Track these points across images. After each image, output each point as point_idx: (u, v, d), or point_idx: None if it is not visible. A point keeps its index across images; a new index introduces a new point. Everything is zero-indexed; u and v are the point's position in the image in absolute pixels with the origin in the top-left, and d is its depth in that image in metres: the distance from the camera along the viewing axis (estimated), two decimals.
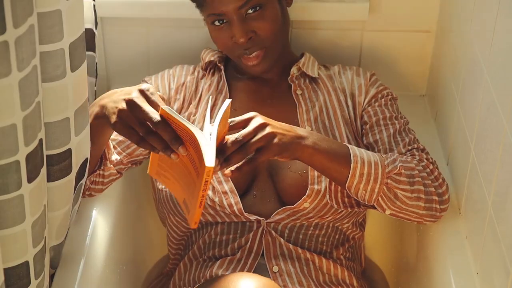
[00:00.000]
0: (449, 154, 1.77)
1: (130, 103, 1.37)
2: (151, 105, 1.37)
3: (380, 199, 1.52)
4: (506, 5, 1.37)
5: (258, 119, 1.41)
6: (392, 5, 1.94)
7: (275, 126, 1.42)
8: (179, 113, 1.73)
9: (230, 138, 1.37)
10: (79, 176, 1.48)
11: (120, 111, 1.37)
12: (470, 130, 1.58)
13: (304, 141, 1.45)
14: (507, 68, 1.34)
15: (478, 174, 1.50)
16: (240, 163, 1.38)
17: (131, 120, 1.36)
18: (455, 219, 1.63)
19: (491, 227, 1.39)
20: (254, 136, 1.38)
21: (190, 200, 1.37)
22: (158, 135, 1.33)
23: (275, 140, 1.40)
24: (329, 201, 1.58)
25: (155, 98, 1.38)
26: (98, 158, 1.59)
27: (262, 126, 1.40)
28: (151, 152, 1.40)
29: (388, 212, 1.54)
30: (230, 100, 1.37)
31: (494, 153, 1.39)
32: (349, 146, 1.51)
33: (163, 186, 1.64)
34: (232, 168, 1.38)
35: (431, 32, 1.98)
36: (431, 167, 1.58)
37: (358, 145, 1.67)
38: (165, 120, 1.32)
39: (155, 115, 1.33)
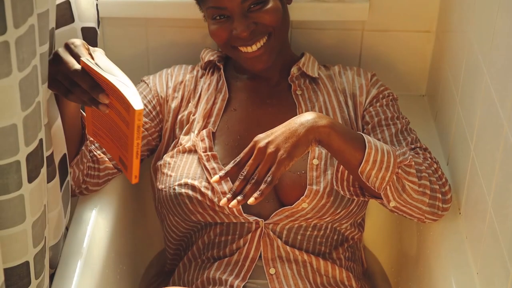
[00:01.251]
0: (449, 154, 1.77)
1: (55, 57, 1.38)
2: (74, 57, 1.38)
3: (388, 188, 1.51)
4: (506, 5, 1.37)
5: (258, 144, 1.44)
6: (392, 5, 1.94)
7: (275, 140, 1.44)
8: (178, 113, 1.73)
9: (239, 176, 1.43)
10: (62, 172, 1.48)
11: (49, 66, 1.39)
12: (470, 130, 1.58)
13: (319, 122, 1.45)
14: (507, 68, 1.34)
15: (478, 174, 1.50)
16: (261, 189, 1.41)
17: (56, 73, 1.37)
18: (455, 219, 1.63)
19: (491, 227, 1.39)
20: (259, 164, 1.43)
21: (125, 155, 1.39)
22: (82, 87, 1.36)
23: (279, 154, 1.42)
24: (335, 187, 1.56)
25: (78, 50, 1.39)
26: (75, 137, 1.57)
27: (262, 151, 1.43)
28: (86, 112, 1.44)
29: (392, 204, 1.53)
30: (102, 50, 1.42)
31: (494, 153, 1.39)
32: (362, 133, 1.51)
33: (163, 186, 1.64)
34: (255, 195, 1.41)
35: (431, 32, 1.98)
36: (435, 166, 1.59)
37: None
38: (86, 71, 1.35)
39: (74, 66, 1.35)
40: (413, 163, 1.52)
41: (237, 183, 1.43)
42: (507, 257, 1.30)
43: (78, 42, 1.39)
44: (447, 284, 1.52)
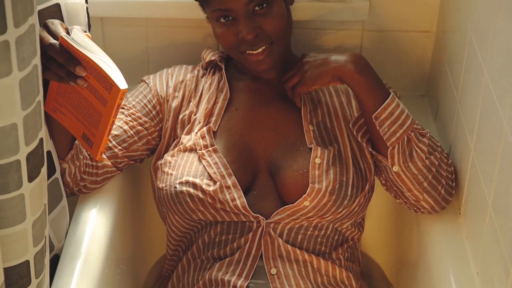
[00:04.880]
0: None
1: None
2: (50, 34, 1.39)
3: (396, 147, 1.56)
4: (506, 5, 1.37)
5: (304, 58, 1.67)
6: (392, 5, 1.94)
7: (313, 62, 1.64)
8: (178, 112, 1.73)
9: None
10: (48, 171, 1.48)
11: None
12: (470, 130, 1.58)
13: (348, 66, 1.59)
14: (507, 68, 1.34)
15: (478, 174, 1.50)
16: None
17: None
18: (455, 219, 1.63)
19: (491, 227, 1.40)
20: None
21: (93, 131, 1.42)
22: (59, 62, 1.36)
23: (307, 75, 1.63)
24: (351, 126, 1.64)
25: (55, 27, 1.40)
26: (67, 131, 1.53)
27: (302, 65, 1.65)
28: (49, 87, 1.44)
29: (395, 168, 1.58)
30: (79, 27, 1.42)
31: (494, 153, 1.39)
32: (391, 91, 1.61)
33: (164, 185, 1.64)
34: None
35: (431, 32, 1.98)
36: (450, 161, 1.64)
37: (359, 148, 1.67)
38: (64, 47, 1.35)
39: (50, 40, 1.36)
40: (428, 135, 1.59)
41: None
42: (507, 257, 1.30)
43: (56, 22, 1.41)
44: (447, 284, 1.52)
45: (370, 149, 1.62)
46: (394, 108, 1.57)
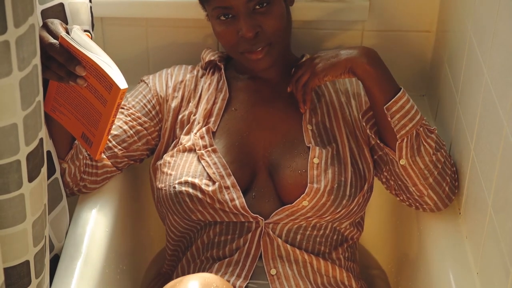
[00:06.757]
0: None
1: None
2: (50, 34, 1.39)
3: (405, 140, 1.57)
4: (506, 5, 1.37)
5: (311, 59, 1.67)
6: (392, 5, 1.94)
7: (322, 56, 1.65)
8: (178, 112, 1.73)
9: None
10: (48, 171, 1.48)
11: None
12: (470, 130, 1.58)
13: (361, 58, 1.60)
14: (507, 68, 1.34)
15: (478, 174, 1.50)
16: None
17: None
18: (455, 219, 1.63)
19: (491, 227, 1.40)
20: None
21: (92, 131, 1.42)
22: (59, 62, 1.37)
23: (317, 66, 1.63)
24: (361, 117, 1.64)
25: (54, 27, 1.40)
26: (67, 131, 1.54)
27: (310, 60, 1.66)
28: (48, 86, 1.44)
29: (402, 161, 1.59)
30: (79, 26, 1.43)
31: (494, 153, 1.39)
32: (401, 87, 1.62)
33: (163, 185, 1.64)
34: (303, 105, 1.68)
35: (431, 32, 1.98)
36: (453, 162, 1.66)
37: (358, 148, 1.67)
38: (63, 47, 1.36)
39: (50, 40, 1.37)
40: (436, 132, 1.61)
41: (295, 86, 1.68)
42: (507, 257, 1.30)
43: (55, 21, 1.41)
44: (447, 284, 1.52)
45: (378, 141, 1.62)
46: (405, 102, 1.58)
